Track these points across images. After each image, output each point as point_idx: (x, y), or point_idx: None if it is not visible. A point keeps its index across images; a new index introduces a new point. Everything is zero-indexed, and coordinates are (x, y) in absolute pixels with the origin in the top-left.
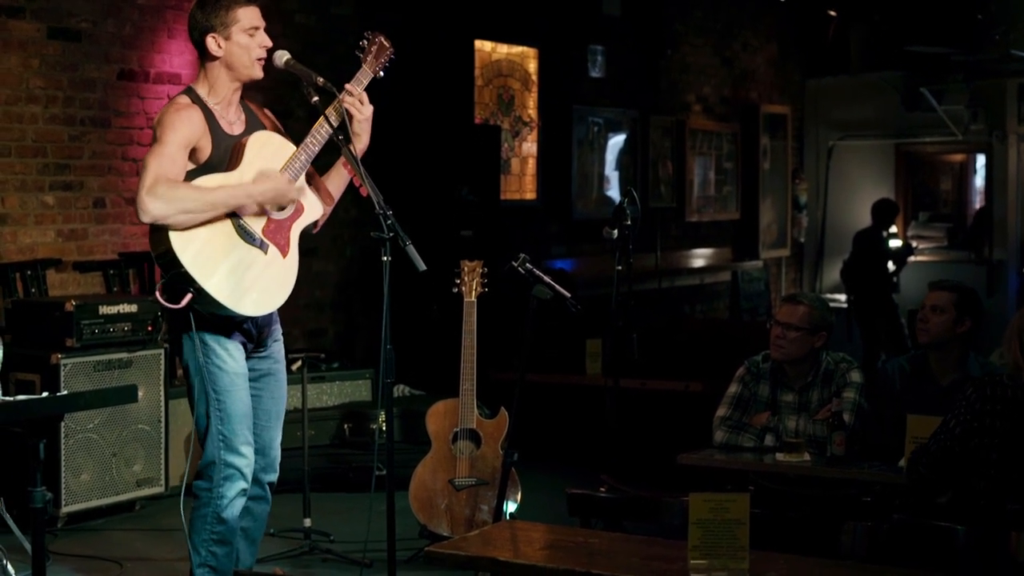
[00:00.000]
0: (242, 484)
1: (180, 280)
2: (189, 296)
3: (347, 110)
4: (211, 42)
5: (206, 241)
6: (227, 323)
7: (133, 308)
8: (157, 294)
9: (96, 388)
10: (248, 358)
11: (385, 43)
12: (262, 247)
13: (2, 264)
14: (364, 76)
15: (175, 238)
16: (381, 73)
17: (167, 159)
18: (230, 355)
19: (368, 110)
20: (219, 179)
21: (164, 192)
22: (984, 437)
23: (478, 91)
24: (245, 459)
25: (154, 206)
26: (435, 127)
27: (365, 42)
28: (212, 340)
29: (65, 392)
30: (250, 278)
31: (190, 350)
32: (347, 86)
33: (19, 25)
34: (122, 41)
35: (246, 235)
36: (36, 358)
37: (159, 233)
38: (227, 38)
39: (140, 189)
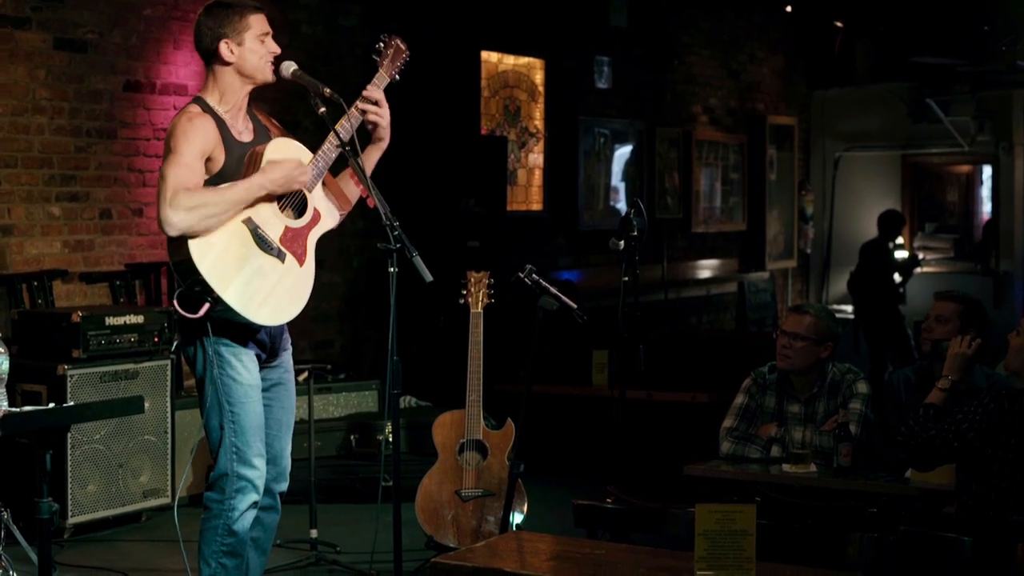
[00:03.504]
0: (254, 496)
1: (197, 289)
2: (207, 306)
3: (369, 119)
4: (224, 48)
5: (224, 250)
6: (242, 333)
7: (139, 319)
8: (175, 303)
9: (102, 399)
10: (260, 368)
11: (401, 46)
12: (279, 256)
13: (9, 275)
14: (380, 80)
15: (194, 247)
16: (397, 77)
17: (185, 168)
18: (244, 367)
19: (387, 113)
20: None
21: (185, 202)
22: (998, 450)
23: (484, 102)
24: (258, 471)
25: (178, 218)
26: (441, 138)
27: (381, 45)
28: (227, 351)
29: (71, 403)
30: (267, 287)
31: (204, 361)
32: (366, 92)
33: (25, 36)
34: (128, 52)
35: (263, 244)
36: (43, 369)
37: (178, 241)
38: (240, 44)
39: (161, 203)
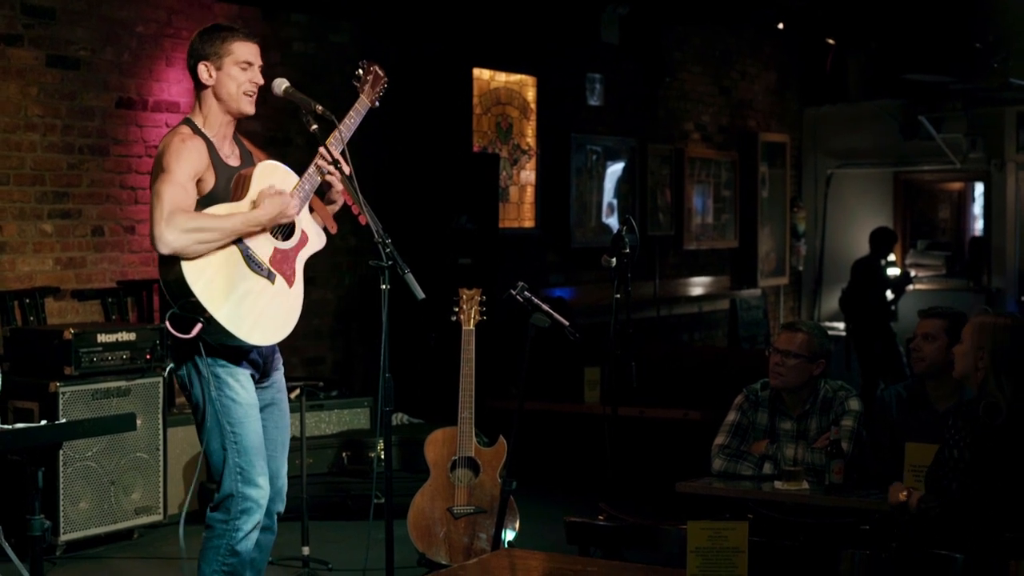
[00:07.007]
0: (258, 517)
1: (190, 310)
2: (199, 326)
3: (326, 180)
4: (202, 69)
5: (216, 271)
6: (236, 354)
7: (131, 336)
8: (167, 324)
9: (94, 416)
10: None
11: (380, 73)
12: (269, 277)
13: (0, 292)
14: (362, 106)
15: (187, 268)
16: (377, 103)
17: (179, 189)
18: (242, 386)
19: (343, 174)
20: (228, 208)
21: (182, 223)
22: (948, 467)
23: (476, 119)
24: (262, 491)
25: (173, 237)
26: (433, 155)
27: (361, 71)
28: (223, 372)
29: (63, 420)
30: (258, 308)
31: (200, 384)
32: (323, 151)
33: (18, 53)
34: (120, 69)
35: (254, 265)
36: (34, 386)
37: (171, 260)
38: (219, 68)
39: (157, 220)
